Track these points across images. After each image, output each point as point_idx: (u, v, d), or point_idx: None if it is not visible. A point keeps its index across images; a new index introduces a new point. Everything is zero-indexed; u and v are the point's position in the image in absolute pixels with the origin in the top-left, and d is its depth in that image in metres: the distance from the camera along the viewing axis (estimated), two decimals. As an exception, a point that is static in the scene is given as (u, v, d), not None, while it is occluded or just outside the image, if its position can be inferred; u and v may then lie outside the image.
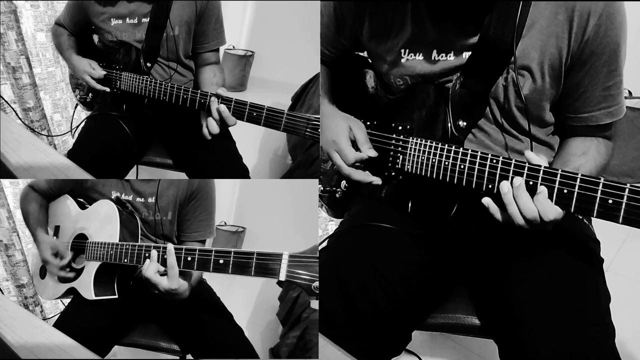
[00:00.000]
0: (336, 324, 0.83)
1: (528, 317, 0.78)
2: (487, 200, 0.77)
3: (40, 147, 1.05)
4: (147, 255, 0.91)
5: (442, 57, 0.88)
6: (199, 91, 1.12)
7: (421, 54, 0.90)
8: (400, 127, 0.95)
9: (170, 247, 0.86)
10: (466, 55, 0.86)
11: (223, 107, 1.07)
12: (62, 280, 1.14)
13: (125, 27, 1.27)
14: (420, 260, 0.92)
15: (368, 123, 1.01)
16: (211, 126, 1.10)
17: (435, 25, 0.87)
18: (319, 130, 0.98)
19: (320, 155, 1.13)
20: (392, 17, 0.92)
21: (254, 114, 1.04)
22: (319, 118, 0.98)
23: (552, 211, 0.71)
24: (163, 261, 0.88)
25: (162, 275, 0.89)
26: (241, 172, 1.34)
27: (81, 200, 1.17)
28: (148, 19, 1.25)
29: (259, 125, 1.04)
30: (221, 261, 0.78)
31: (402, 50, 0.91)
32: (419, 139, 0.90)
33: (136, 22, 1.27)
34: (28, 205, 1.21)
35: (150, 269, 0.89)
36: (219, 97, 1.08)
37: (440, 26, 0.87)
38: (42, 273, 1.23)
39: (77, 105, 1.54)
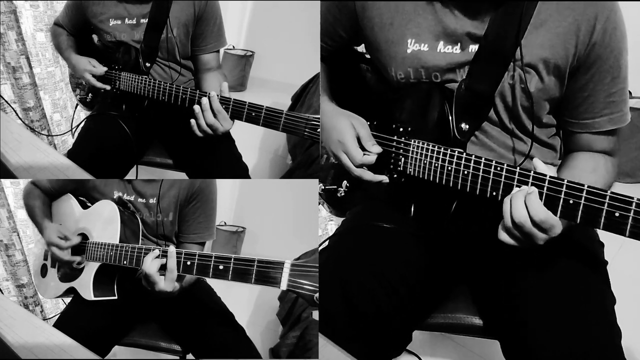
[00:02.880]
0: (337, 324, 0.83)
1: (532, 317, 0.78)
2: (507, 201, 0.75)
3: (40, 147, 1.05)
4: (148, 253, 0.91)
5: (447, 49, 0.86)
6: (198, 91, 1.12)
7: (426, 45, 0.88)
8: (401, 129, 0.94)
9: (172, 249, 0.86)
10: (472, 49, 0.84)
11: (216, 101, 1.06)
12: (66, 267, 1.14)
13: (124, 27, 1.27)
14: (422, 261, 0.92)
15: (368, 123, 1.00)
16: (195, 131, 1.11)
17: (441, 16, 0.86)
18: (318, 130, 0.98)
19: (320, 154, 1.13)
20: (396, 6, 0.90)
21: (253, 114, 1.04)
22: (318, 118, 0.98)
23: (542, 211, 0.70)
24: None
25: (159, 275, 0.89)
26: (241, 171, 1.34)
27: (83, 199, 1.17)
28: (146, 19, 1.25)
29: (258, 125, 1.04)
30: (221, 267, 0.77)
31: (408, 41, 0.89)
32: (421, 142, 0.89)
33: (135, 22, 1.27)
34: (33, 201, 1.20)
35: (154, 264, 0.88)
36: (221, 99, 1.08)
37: (447, 16, 0.85)
38: (43, 272, 1.23)
39: (77, 105, 1.54)
